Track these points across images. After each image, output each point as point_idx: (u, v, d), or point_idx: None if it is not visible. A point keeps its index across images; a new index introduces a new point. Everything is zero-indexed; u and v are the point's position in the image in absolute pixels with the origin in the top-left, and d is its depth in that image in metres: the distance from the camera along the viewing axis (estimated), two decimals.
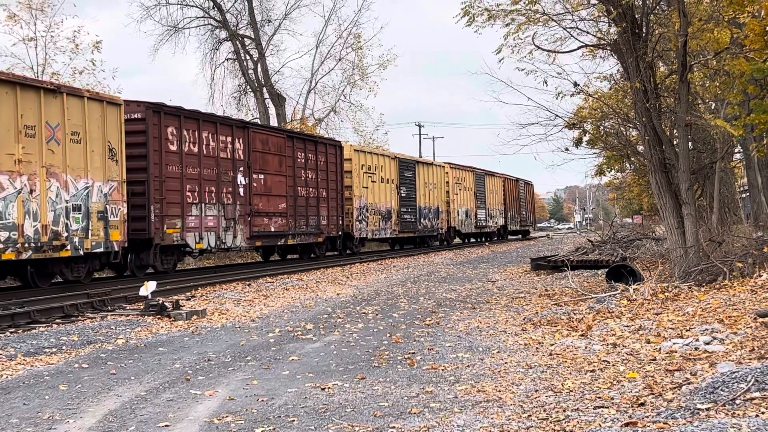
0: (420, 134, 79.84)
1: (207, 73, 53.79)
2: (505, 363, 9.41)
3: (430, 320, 13.68)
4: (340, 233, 31.75)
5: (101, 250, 18.42)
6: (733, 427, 5.59)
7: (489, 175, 52.95)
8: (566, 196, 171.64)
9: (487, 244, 50.11)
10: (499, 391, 7.87)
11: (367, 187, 34.31)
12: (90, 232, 17.93)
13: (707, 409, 6.40)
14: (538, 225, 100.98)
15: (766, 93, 15.14)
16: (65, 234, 17.21)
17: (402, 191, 38.18)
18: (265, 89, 46.21)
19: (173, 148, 21.50)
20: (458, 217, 46.40)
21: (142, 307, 15.00)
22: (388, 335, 12.01)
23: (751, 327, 9.86)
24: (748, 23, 14.79)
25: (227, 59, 46.97)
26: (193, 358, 10.41)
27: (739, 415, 6.13)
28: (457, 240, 49.63)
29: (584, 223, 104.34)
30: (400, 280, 22.25)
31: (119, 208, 18.96)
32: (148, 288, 15.06)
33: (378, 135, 56.38)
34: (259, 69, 46.34)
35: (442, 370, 9.16)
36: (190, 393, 8.24)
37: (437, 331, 12.43)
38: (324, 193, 30.13)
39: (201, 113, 23.40)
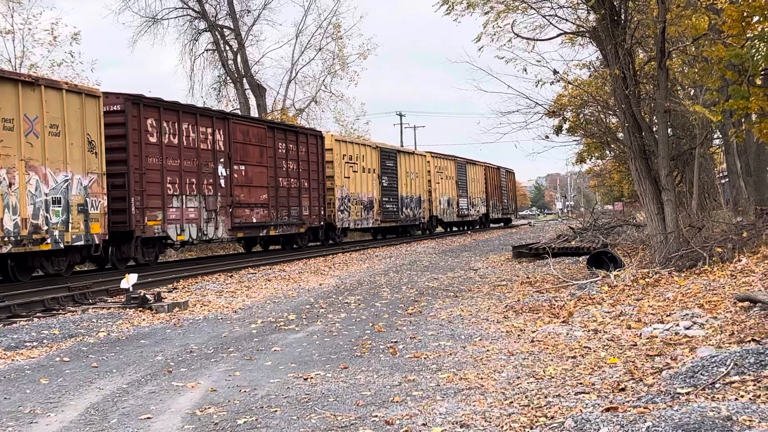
0: (401, 123, 79.82)
1: (186, 65, 53.73)
2: (487, 350, 9.45)
3: (412, 309, 13.70)
4: (322, 223, 31.72)
5: (82, 243, 18.33)
6: (713, 411, 5.63)
7: (470, 163, 53.00)
8: (548, 183, 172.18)
9: (469, 232, 50.17)
10: (481, 379, 7.90)
11: (348, 177, 34.29)
12: (70, 225, 17.84)
13: (687, 393, 6.45)
14: (520, 213, 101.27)
15: (744, 79, 15.21)
16: (45, 227, 17.12)
17: (384, 181, 38.18)
18: (245, 80, 46.06)
19: (153, 140, 21.41)
20: (440, 206, 46.45)
21: (123, 299, 14.94)
22: (371, 324, 12.02)
23: (730, 311, 9.93)
24: (725, 9, 14.86)
25: (206, 50, 46.79)
26: (175, 350, 10.38)
27: (718, 398, 6.18)
28: (440, 229, 49.69)
29: (566, 210, 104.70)
30: (382, 270, 22.27)
31: (99, 201, 18.87)
32: (130, 280, 14.99)
33: (359, 125, 56.35)
34: (239, 60, 46.17)
35: (425, 358, 9.18)
36: (173, 385, 8.23)
37: (420, 319, 12.46)
38: (306, 184, 30.08)
39: (181, 105, 23.30)
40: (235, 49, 46.25)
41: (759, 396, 6.11)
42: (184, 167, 22.61)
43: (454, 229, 52.51)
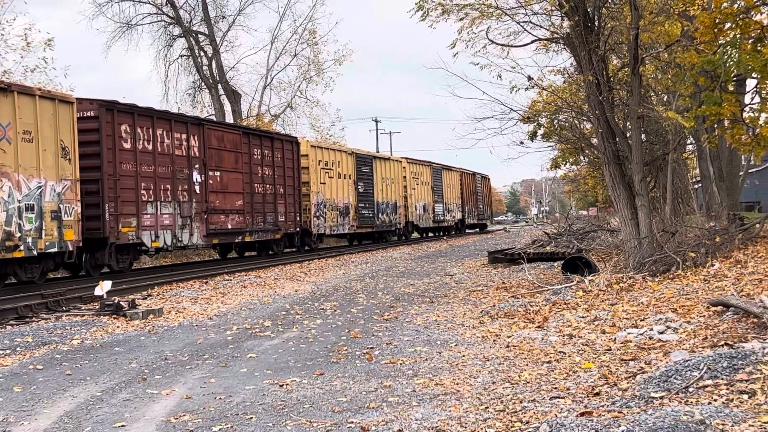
0: (377, 129, 79.94)
1: (161, 70, 53.51)
2: (463, 356, 9.46)
3: (388, 315, 13.70)
4: (298, 229, 31.65)
5: (55, 249, 18.19)
6: (686, 415, 5.67)
7: (446, 169, 53.11)
8: (523, 189, 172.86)
9: (445, 238, 50.26)
10: (457, 384, 7.92)
11: (324, 183, 34.25)
12: (43, 232, 17.70)
13: (661, 398, 6.49)
14: (496, 218, 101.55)
15: (717, 85, 15.34)
16: (18, 234, 16.97)
17: (359, 187, 38.17)
18: (220, 86, 45.94)
19: (127, 146, 21.29)
20: (416, 212, 46.50)
21: (97, 306, 14.85)
22: (347, 331, 12.01)
23: (704, 316, 10.01)
24: (698, 16, 14.99)
25: (181, 56, 46.63)
26: (149, 357, 10.32)
27: (692, 402, 6.22)
28: (415, 234, 49.74)
29: (541, 215, 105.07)
30: (358, 276, 22.26)
31: (73, 208, 18.73)
32: (104, 287, 14.91)
33: (335, 130, 56.33)
34: (214, 65, 46.05)
35: (401, 364, 9.19)
36: (147, 392, 8.18)
37: (396, 325, 12.46)
38: (281, 190, 30.01)
39: (155, 110, 23.19)
40: (209, 55, 46.13)
41: (732, 400, 6.16)
42: (158, 173, 22.51)
43: (430, 234, 52.57)
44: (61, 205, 18.27)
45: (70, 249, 18.70)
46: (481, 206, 62.64)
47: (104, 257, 20.80)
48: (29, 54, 35.80)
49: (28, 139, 17.31)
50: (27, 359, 10.44)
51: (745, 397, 6.19)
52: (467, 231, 59.61)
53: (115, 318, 14.02)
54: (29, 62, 38.54)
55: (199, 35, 46.19)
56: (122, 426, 6.92)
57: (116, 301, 14.65)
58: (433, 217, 49.66)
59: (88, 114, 20.39)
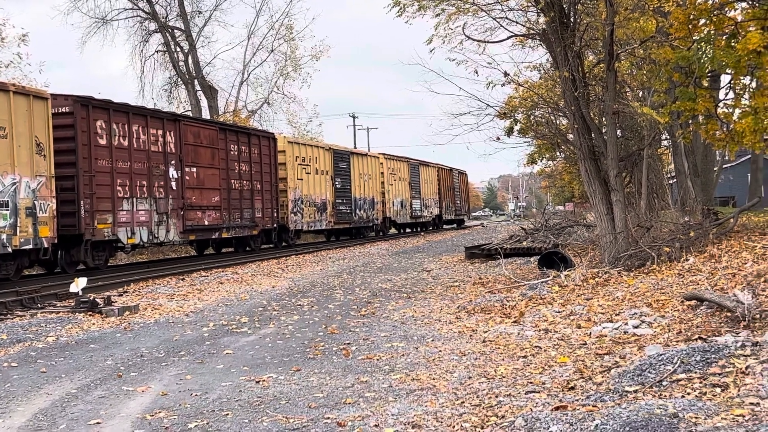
0: (354, 125, 79.86)
1: (137, 66, 53.25)
2: (440, 351, 9.49)
3: (365, 311, 13.71)
4: (275, 225, 31.59)
5: (30, 246, 18.06)
6: (660, 408, 5.73)
7: (423, 165, 53.17)
8: (500, 184, 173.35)
9: (422, 233, 50.33)
10: (434, 379, 7.94)
11: (301, 179, 34.20)
12: (18, 228, 17.57)
13: (635, 391, 6.54)
14: (473, 214, 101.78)
15: (691, 81, 15.46)
16: None
17: (337, 182, 38.14)
18: (196, 81, 45.76)
19: (103, 142, 21.18)
20: (393, 208, 46.53)
21: (73, 304, 14.76)
22: (324, 326, 12.01)
23: (678, 310, 10.10)
24: (672, 12, 15.10)
25: (157, 51, 46.43)
26: (125, 354, 10.28)
27: (665, 396, 6.28)
28: (393, 230, 49.76)
29: (518, 211, 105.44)
30: (335, 272, 22.25)
31: (48, 204, 18.61)
32: (79, 284, 14.82)
33: (312, 126, 56.29)
34: (190, 61, 45.86)
35: (377, 359, 9.20)
36: (123, 389, 8.15)
37: (373, 321, 12.47)
38: (258, 186, 29.94)
39: (131, 106, 23.07)
40: (186, 51, 45.93)
41: (705, 393, 6.22)
42: (134, 169, 22.40)
43: (408, 230, 52.62)
44: (36, 202, 18.14)
45: (45, 246, 18.58)
46: (458, 202, 62.77)
47: (80, 254, 20.69)
48: (3, 49, 35.58)
49: (2, 135, 17.17)
50: (1, 357, 10.36)
51: (718, 390, 6.25)
52: (445, 227, 59.72)
53: (90, 315, 13.94)
54: (3, 57, 38.19)
55: (176, 30, 45.99)
56: (97, 423, 6.89)
57: (92, 298, 14.57)
58: (410, 213, 49.71)
59: (63, 110, 20.26)
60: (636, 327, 9.51)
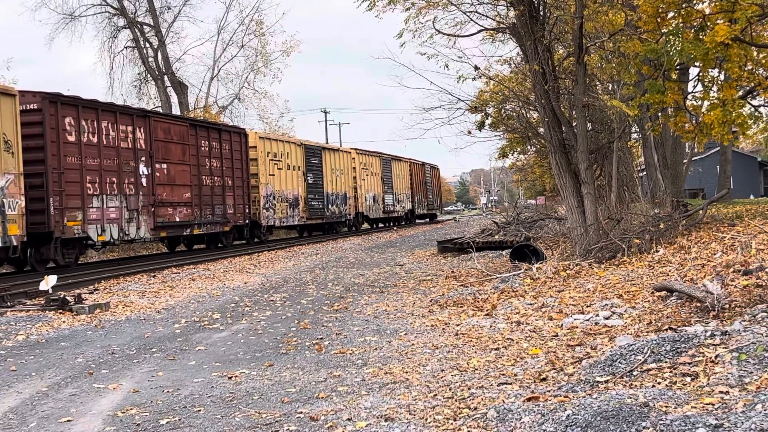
0: (326, 120, 79.74)
1: (105, 62, 52.67)
2: (412, 345, 9.50)
3: (338, 305, 13.70)
4: (247, 222, 31.49)
5: None
6: (630, 398, 5.76)
7: (395, 160, 53.20)
8: (472, 178, 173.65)
9: (395, 228, 50.37)
10: (406, 373, 7.95)
11: (273, 175, 34.11)
12: None
13: (606, 382, 6.58)
14: (446, 208, 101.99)
15: (660, 73, 15.56)
16: None
17: (309, 178, 38.06)
18: (166, 77, 45.49)
19: (72, 138, 21.00)
20: (366, 203, 46.52)
21: (43, 302, 14.62)
22: (297, 322, 11.99)
23: (648, 301, 10.17)
24: (641, 5, 15.18)
25: (126, 47, 46.11)
26: (96, 351, 10.20)
27: (636, 385, 6.32)
28: (366, 225, 49.78)
29: (490, 205, 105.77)
30: (308, 267, 22.21)
31: (17, 202, 18.43)
32: (49, 282, 14.68)
33: (283, 122, 56.37)
34: (160, 57, 45.59)
35: (350, 354, 9.19)
36: (94, 387, 8.09)
37: (345, 315, 12.46)
38: (230, 182, 29.82)
39: (100, 102, 22.89)
40: (155, 46, 45.65)
41: (675, 382, 6.26)
42: (104, 166, 22.23)
43: (381, 225, 52.65)
44: (4, 200, 17.96)
45: (15, 244, 18.41)
46: (430, 196, 62.88)
47: (50, 252, 20.51)
48: None
49: None
50: None
51: (688, 379, 6.30)
52: (417, 221, 59.82)
53: (61, 313, 13.82)
54: None
55: (144, 26, 45.69)
56: (68, 421, 6.83)
57: (62, 296, 14.44)
58: (383, 208, 49.73)
59: (32, 107, 20.08)
60: (607, 318, 9.57)
